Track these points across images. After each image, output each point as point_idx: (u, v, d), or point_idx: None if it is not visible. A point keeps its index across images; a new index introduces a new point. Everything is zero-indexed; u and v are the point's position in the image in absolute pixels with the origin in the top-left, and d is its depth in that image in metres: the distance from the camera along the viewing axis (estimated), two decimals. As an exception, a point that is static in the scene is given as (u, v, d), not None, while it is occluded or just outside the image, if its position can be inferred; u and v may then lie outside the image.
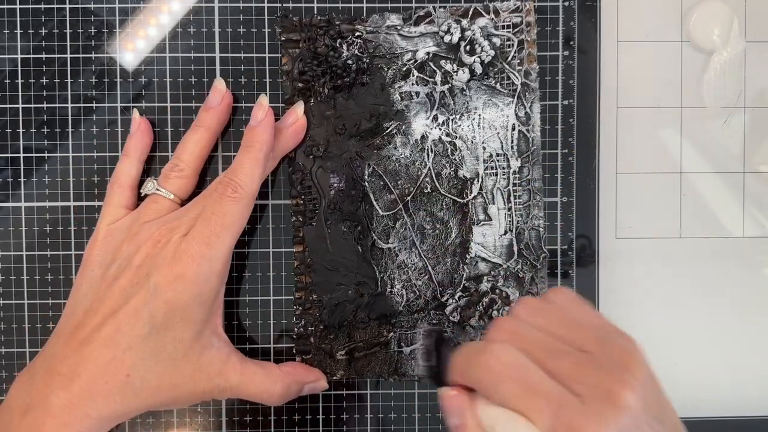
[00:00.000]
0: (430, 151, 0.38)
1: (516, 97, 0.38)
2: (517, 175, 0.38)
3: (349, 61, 0.37)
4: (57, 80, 0.38)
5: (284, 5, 0.38)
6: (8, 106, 0.38)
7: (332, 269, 0.38)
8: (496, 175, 0.38)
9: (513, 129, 0.38)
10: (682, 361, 0.40)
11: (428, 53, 0.37)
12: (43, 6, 0.37)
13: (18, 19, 0.37)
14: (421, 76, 0.38)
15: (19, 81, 0.38)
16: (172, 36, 0.38)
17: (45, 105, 0.38)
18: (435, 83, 0.38)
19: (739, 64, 0.40)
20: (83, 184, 0.38)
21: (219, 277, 0.33)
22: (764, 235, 0.40)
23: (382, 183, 0.38)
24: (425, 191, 0.38)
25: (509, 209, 0.38)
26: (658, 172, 0.40)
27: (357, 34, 0.37)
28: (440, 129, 0.38)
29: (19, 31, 0.37)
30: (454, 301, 0.38)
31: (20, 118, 0.38)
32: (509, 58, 0.38)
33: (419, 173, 0.38)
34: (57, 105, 0.38)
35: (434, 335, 0.33)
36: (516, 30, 0.37)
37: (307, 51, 0.37)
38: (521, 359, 0.24)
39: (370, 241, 0.38)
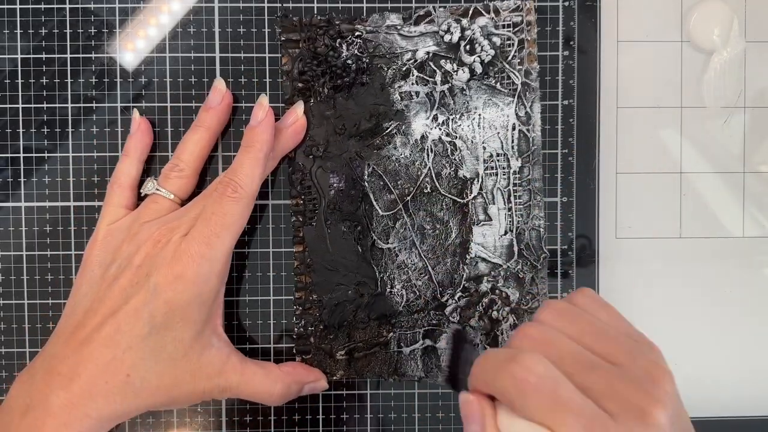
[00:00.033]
0: (430, 151, 0.38)
1: (516, 97, 0.38)
2: (518, 175, 0.38)
3: (349, 61, 0.37)
4: (57, 80, 0.38)
5: (284, 5, 0.38)
6: (8, 106, 0.38)
7: (332, 269, 0.38)
8: (497, 175, 0.38)
9: (513, 129, 0.38)
10: (682, 361, 0.40)
11: (428, 53, 0.37)
12: (43, 6, 0.37)
13: (18, 19, 0.37)
14: (421, 75, 0.38)
15: (19, 81, 0.38)
16: (172, 36, 0.38)
17: (45, 105, 0.38)
18: (435, 83, 0.38)
19: (739, 64, 0.40)
20: (83, 184, 0.38)
21: (219, 277, 0.33)
22: (764, 235, 0.40)
23: (382, 183, 0.38)
24: (425, 191, 0.38)
25: (509, 209, 0.38)
26: (658, 172, 0.40)
27: (357, 33, 0.37)
28: (440, 129, 0.38)
29: (19, 31, 0.37)
30: (453, 301, 0.38)
31: (20, 118, 0.38)
32: (509, 58, 0.38)
33: (419, 173, 0.38)
34: (57, 105, 0.38)
35: (458, 336, 0.32)
36: (516, 29, 0.37)
37: (307, 51, 0.37)
38: (552, 371, 0.23)
39: (370, 241, 0.38)
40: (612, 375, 0.23)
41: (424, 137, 0.38)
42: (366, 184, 0.38)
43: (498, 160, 0.38)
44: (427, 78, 0.38)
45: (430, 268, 0.38)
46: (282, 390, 0.34)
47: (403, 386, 0.39)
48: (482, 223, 0.38)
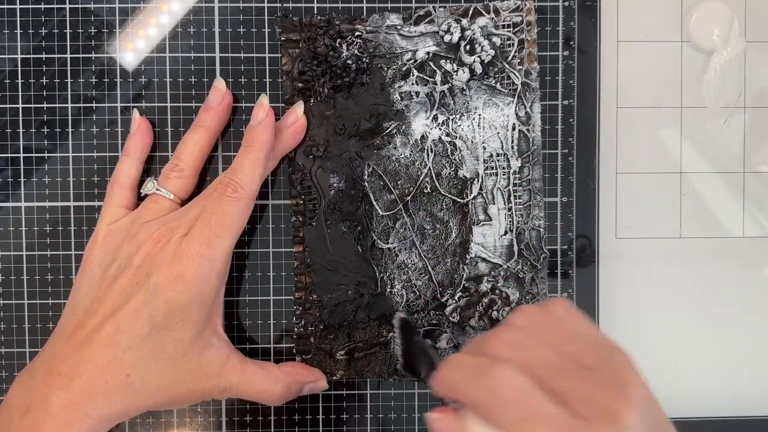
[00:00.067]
0: (430, 151, 0.38)
1: (516, 97, 0.38)
2: (518, 175, 0.38)
3: (349, 61, 0.37)
4: (57, 80, 0.38)
5: (284, 5, 0.38)
6: (8, 106, 0.38)
7: (332, 269, 0.38)
8: (496, 175, 0.38)
9: (513, 129, 0.38)
10: (682, 361, 0.40)
11: (428, 53, 0.37)
12: (43, 6, 0.37)
13: (18, 19, 0.37)
14: (421, 75, 0.38)
15: (19, 81, 0.38)
16: (172, 36, 0.38)
17: (45, 105, 0.38)
18: (435, 83, 0.38)
19: (739, 64, 0.40)
20: (83, 184, 0.38)
21: (219, 277, 0.33)
22: (764, 235, 0.40)
23: (382, 183, 0.38)
24: (425, 191, 0.38)
25: (509, 209, 0.38)
26: (658, 172, 0.40)
27: (357, 33, 0.37)
28: (440, 129, 0.38)
29: (19, 31, 0.37)
30: (454, 301, 0.38)
31: (20, 118, 0.38)
32: (509, 58, 0.38)
33: (419, 173, 0.38)
34: (57, 105, 0.38)
35: (404, 325, 0.34)
36: (516, 29, 0.37)
37: (307, 51, 0.37)
38: (525, 383, 0.24)
39: (370, 241, 0.38)
40: (583, 378, 0.24)
41: (424, 137, 0.38)
42: (366, 184, 0.38)
43: (498, 160, 0.38)
44: (427, 78, 0.38)
45: (430, 268, 0.38)
46: (282, 390, 0.34)
47: (403, 386, 0.39)
48: (482, 223, 0.38)
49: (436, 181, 0.38)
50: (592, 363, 0.25)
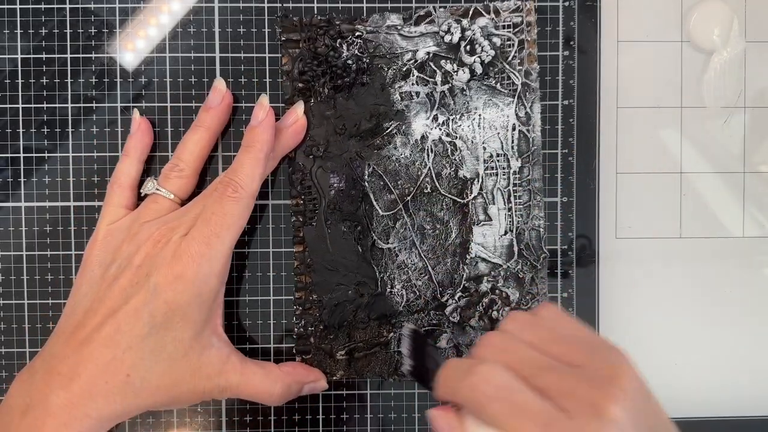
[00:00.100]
0: (430, 151, 0.38)
1: (516, 97, 0.38)
2: (518, 176, 0.38)
3: (349, 61, 0.37)
4: (57, 80, 0.38)
5: (284, 5, 0.38)
6: (8, 106, 0.38)
7: (332, 269, 0.38)
8: (497, 175, 0.38)
9: (513, 129, 0.38)
10: (682, 361, 0.40)
11: (428, 53, 0.37)
12: (43, 6, 0.37)
13: (18, 19, 0.37)
14: (421, 76, 0.38)
15: (19, 81, 0.38)
16: (172, 36, 0.38)
17: (45, 105, 0.38)
18: (435, 83, 0.38)
19: (739, 64, 0.40)
20: (83, 184, 0.38)
21: (219, 277, 0.33)
22: (764, 235, 0.40)
23: (382, 183, 0.38)
24: (425, 191, 0.38)
25: (509, 209, 0.38)
26: (658, 172, 0.40)
27: (357, 34, 0.37)
28: (440, 129, 0.38)
29: (19, 31, 0.37)
30: (454, 301, 0.38)
31: (20, 118, 0.38)
32: (509, 58, 0.38)
33: (419, 173, 0.38)
34: (57, 105, 0.38)
35: (414, 336, 0.34)
36: (516, 30, 0.37)
37: (307, 51, 0.37)
38: (509, 380, 0.25)
39: (370, 241, 0.38)
40: (568, 375, 0.24)
41: (424, 137, 0.38)
42: (366, 184, 0.38)
43: (498, 161, 0.38)
44: (428, 78, 0.38)
45: (430, 268, 0.38)
46: (282, 390, 0.34)
47: (403, 386, 0.39)
48: (482, 223, 0.38)
49: (436, 181, 0.38)
50: (579, 361, 0.25)
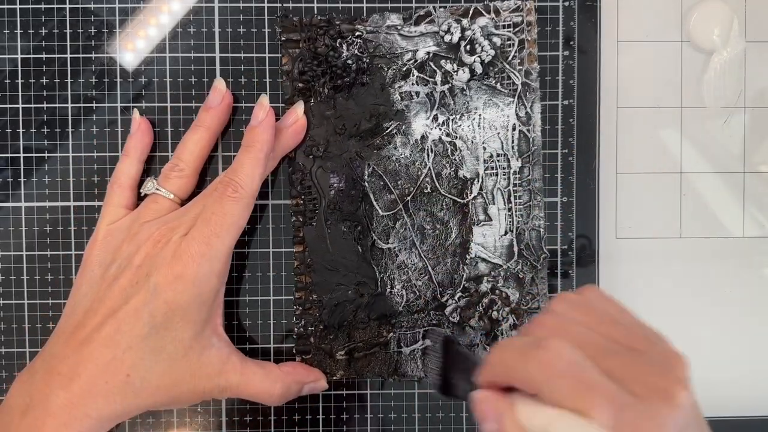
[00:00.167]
0: (430, 151, 0.38)
1: (516, 97, 0.38)
2: (518, 176, 0.38)
3: (349, 61, 0.37)
4: (57, 80, 0.38)
5: (284, 5, 0.38)
6: (8, 106, 0.38)
7: (332, 269, 0.38)
8: (497, 175, 0.38)
9: (513, 129, 0.38)
10: (682, 361, 0.40)
11: (428, 53, 0.37)
12: (43, 6, 0.37)
13: (18, 19, 0.37)
14: (421, 75, 0.38)
15: (19, 81, 0.38)
16: (172, 36, 0.38)
17: (45, 105, 0.38)
18: (435, 83, 0.38)
19: (739, 64, 0.40)
20: (83, 184, 0.38)
21: (219, 277, 0.33)
22: (764, 235, 0.40)
23: (382, 183, 0.38)
24: (425, 191, 0.38)
25: (509, 209, 0.38)
26: (658, 172, 0.40)
27: (357, 34, 0.37)
28: (440, 129, 0.38)
29: (19, 31, 0.37)
30: (453, 301, 0.38)
31: (20, 118, 0.38)
32: (510, 58, 0.38)
33: (419, 173, 0.38)
34: (57, 105, 0.38)
35: (448, 343, 0.31)
36: (516, 29, 0.37)
37: (307, 51, 0.37)
38: (579, 356, 0.23)
39: (370, 241, 0.38)
40: (633, 359, 0.24)
41: (424, 137, 0.38)
42: (366, 184, 0.38)
43: (498, 161, 0.38)
44: (428, 78, 0.38)
45: (430, 268, 0.38)
46: (282, 390, 0.34)
47: (403, 386, 0.39)
48: (482, 223, 0.38)
49: (436, 181, 0.38)
50: (638, 345, 0.24)
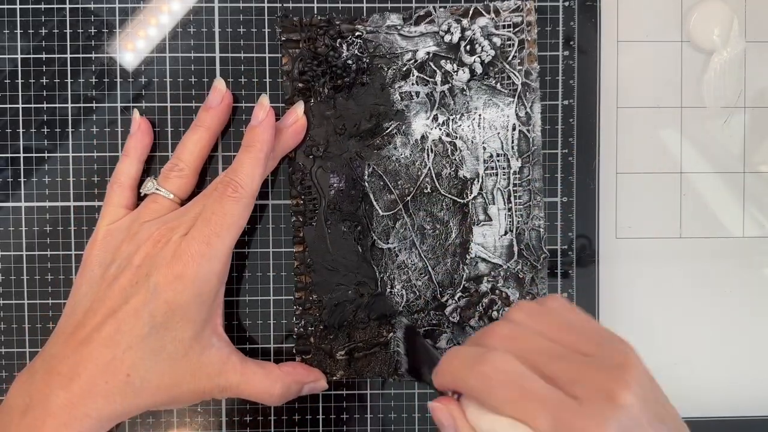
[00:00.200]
0: (430, 151, 0.38)
1: (516, 97, 0.38)
2: (518, 176, 0.38)
3: (349, 61, 0.37)
4: (57, 80, 0.38)
5: (284, 5, 0.38)
6: (8, 106, 0.38)
7: (332, 269, 0.38)
8: (497, 175, 0.38)
9: (513, 129, 0.38)
10: (681, 361, 0.40)
11: (428, 53, 0.37)
12: (43, 6, 0.37)
13: (18, 19, 0.37)
14: (421, 76, 0.38)
15: (19, 81, 0.38)
16: (172, 36, 0.38)
17: (45, 105, 0.38)
18: (435, 83, 0.38)
19: (739, 64, 0.40)
20: (83, 184, 0.38)
21: (219, 277, 0.33)
22: (764, 235, 0.40)
23: (382, 183, 0.38)
24: (425, 191, 0.38)
25: (509, 209, 0.38)
26: (658, 172, 0.40)
27: (357, 34, 0.37)
28: (440, 129, 0.38)
29: (19, 31, 0.37)
30: (453, 301, 0.38)
31: (20, 118, 0.38)
32: (510, 58, 0.38)
33: (419, 173, 0.38)
34: (57, 105, 0.38)
35: (410, 332, 0.34)
36: (516, 29, 0.37)
37: (307, 51, 0.37)
38: (518, 367, 0.25)
39: (370, 241, 0.38)
40: (579, 363, 0.24)
41: (424, 137, 0.38)
42: (366, 184, 0.38)
43: (498, 161, 0.38)
44: (428, 78, 0.38)
45: (430, 268, 0.38)
46: (282, 390, 0.34)
47: (403, 386, 0.39)
48: (482, 223, 0.38)
49: (436, 181, 0.38)
50: (588, 350, 0.25)
